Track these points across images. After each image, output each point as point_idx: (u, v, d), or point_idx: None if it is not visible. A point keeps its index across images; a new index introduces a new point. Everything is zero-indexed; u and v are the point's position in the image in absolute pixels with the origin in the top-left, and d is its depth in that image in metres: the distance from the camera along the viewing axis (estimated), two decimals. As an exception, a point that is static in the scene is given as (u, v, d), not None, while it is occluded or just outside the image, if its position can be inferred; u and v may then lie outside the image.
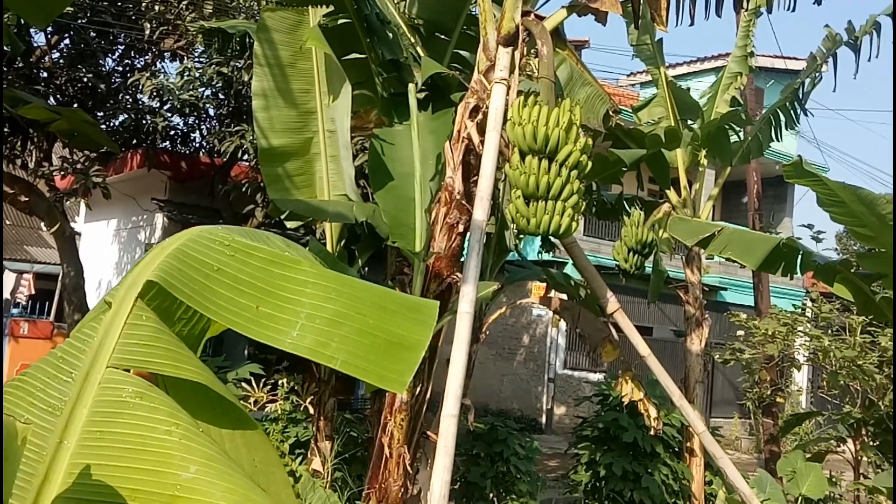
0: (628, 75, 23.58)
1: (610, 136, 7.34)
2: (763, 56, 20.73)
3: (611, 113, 5.85)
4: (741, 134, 8.11)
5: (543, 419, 17.67)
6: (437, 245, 5.30)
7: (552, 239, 6.16)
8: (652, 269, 7.79)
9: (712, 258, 18.56)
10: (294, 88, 5.52)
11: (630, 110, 8.58)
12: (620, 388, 5.89)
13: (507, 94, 4.72)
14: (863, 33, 7.44)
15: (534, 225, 4.35)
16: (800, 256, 5.42)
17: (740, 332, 10.29)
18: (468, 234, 4.70)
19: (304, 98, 5.55)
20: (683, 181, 7.73)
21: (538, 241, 9.89)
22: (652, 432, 6.00)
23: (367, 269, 14.85)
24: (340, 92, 5.33)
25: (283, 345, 1.41)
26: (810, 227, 8.88)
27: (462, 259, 4.82)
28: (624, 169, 6.58)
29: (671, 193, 7.66)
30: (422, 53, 5.97)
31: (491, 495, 6.72)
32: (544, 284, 7.77)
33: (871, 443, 9.04)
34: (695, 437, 6.91)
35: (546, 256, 16.03)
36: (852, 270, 5.30)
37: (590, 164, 4.33)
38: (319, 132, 5.57)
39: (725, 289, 20.35)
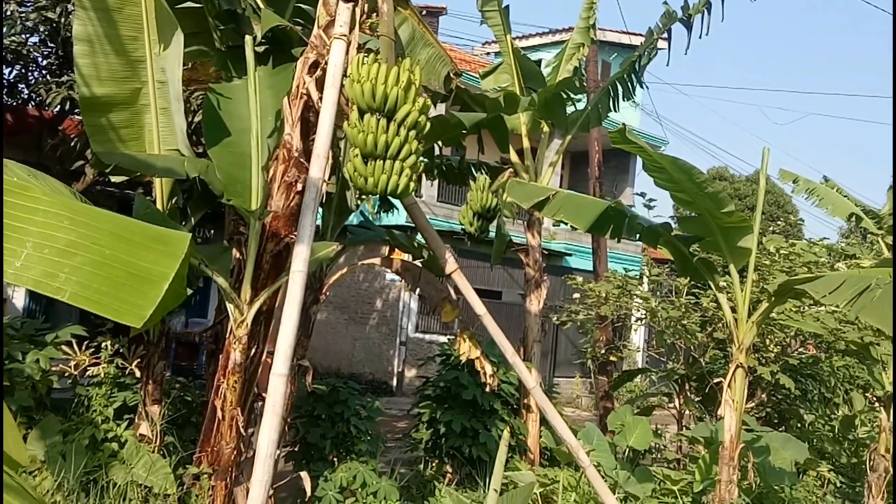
0: (483, 44, 23.84)
1: (458, 101, 7.40)
2: (611, 31, 21.55)
3: (451, 75, 5.89)
4: (582, 103, 8.40)
5: (395, 382, 17.88)
6: (274, 204, 5.17)
7: (391, 199, 6.16)
8: (495, 233, 7.97)
9: (559, 224, 19.33)
10: (121, 35, 5.19)
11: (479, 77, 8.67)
12: (458, 347, 6.01)
13: (347, 50, 4.64)
14: (696, 11, 7.84)
15: (371, 184, 4.33)
16: (626, 220, 5.70)
17: (577, 295, 10.75)
18: (307, 192, 4.61)
19: (132, 46, 5.23)
20: (526, 146, 7.93)
21: (398, 203, 9.88)
22: (488, 389, 6.17)
23: (212, 231, 14.35)
24: (171, 41, 5.06)
25: (4, 276, 1.32)
26: (643, 194, 9.37)
27: (302, 219, 4.74)
28: (464, 132, 6.66)
29: (515, 159, 7.84)
30: (261, 5, 5.76)
31: (331, 456, 6.71)
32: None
33: (693, 397, 9.73)
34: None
35: (400, 220, 16.10)
36: (673, 234, 5.64)
37: (428, 124, 4.35)
38: (149, 82, 5.28)
39: (571, 254, 21.20)
